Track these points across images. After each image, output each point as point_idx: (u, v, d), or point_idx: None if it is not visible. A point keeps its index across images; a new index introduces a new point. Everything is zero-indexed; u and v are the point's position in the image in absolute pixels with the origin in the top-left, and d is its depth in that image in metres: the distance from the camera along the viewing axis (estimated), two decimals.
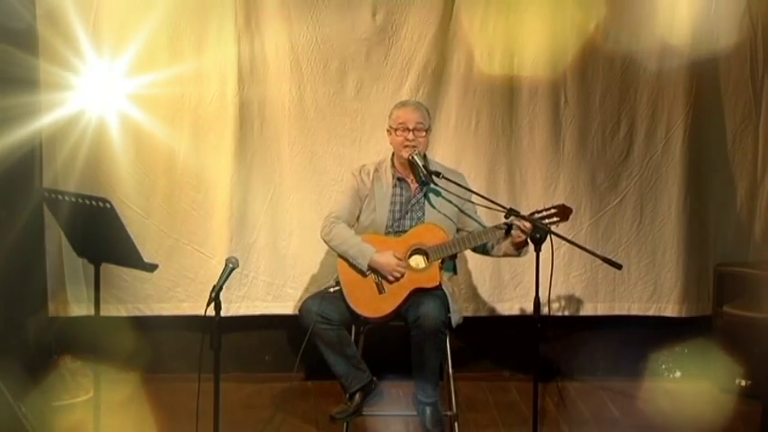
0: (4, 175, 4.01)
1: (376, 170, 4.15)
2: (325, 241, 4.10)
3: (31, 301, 4.47)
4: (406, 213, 4.10)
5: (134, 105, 4.58)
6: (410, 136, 4.04)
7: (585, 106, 4.84)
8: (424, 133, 4.07)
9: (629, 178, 4.90)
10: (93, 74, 4.49)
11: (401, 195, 4.12)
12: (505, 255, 4.08)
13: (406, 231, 4.07)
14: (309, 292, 4.56)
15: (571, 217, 4.01)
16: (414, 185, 4.13)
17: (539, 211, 3.93)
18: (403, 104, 4.18)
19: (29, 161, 4.41)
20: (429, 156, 4.17)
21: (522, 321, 4.82)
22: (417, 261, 4.02)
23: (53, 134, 4.52)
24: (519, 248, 4.00)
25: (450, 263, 4.12)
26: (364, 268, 3.97)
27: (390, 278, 3.97)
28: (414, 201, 4.11)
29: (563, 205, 3.96)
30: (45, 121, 4.45)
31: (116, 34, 4.54)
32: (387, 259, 3.96)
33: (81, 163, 4.57)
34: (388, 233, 4.08)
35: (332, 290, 4.06)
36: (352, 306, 3.97)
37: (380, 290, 3.99)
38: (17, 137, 4.12)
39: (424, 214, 4.08)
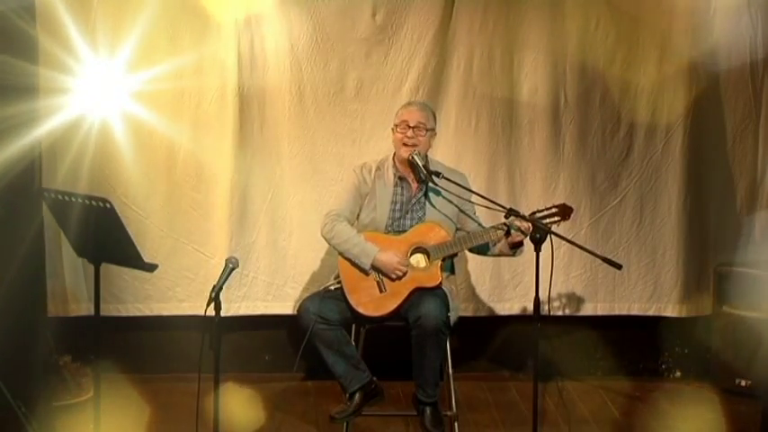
0: (4, 175, 4.00)
1: (378, 168, 4.15)
2: (326, 239, 4.09)
3: (30, 301, 4.46)
4: (407, 213, 4.10)
5: (134, 106, 4.57)
6: (409, 133, 4.04)
7: (585, 106, 4.84)
8: (424, 132, 4.07)
9: (629, 178, 4.90)
10: (93, 74, 4.49)
11: (402, 195, 4.12)
12: (500, 254, 4.09)
13: (406, 230, 4.07)
14: (309, 291, 4.56)
15: (571, 216, 4.02)
16: (414, 185, 4.13)
17: (539, 211, 3.93)
18: (409, 104, 4.21)
19: (29, 161, 4.39)
20: (430, 156, 4.17)
21: (522, 321, 4.82)
22: (418, 260, 4.02)
23: (53, 134, 4.48)
24: (515, 248, 4.02)
25: (448, 262, 4.12)
26: (367, 267, 3.97)
27: (393, 276, 3.97)
28: (414, 200, 4.11)
29: (564, 204, 3.96)
30: (45, 121, 4.42)
31: (116, 34, 4.54)
32: (389, 258, 3.97)
33: (81, 163, 4.56)
34: (387, 232, 4.08)
35: (332, 288, 4.06)
36: (353, 304, 3.97)
37: (381, 289, 3.99)
38: (17, 136, 4.10)
39: (424, 214, 4.08)
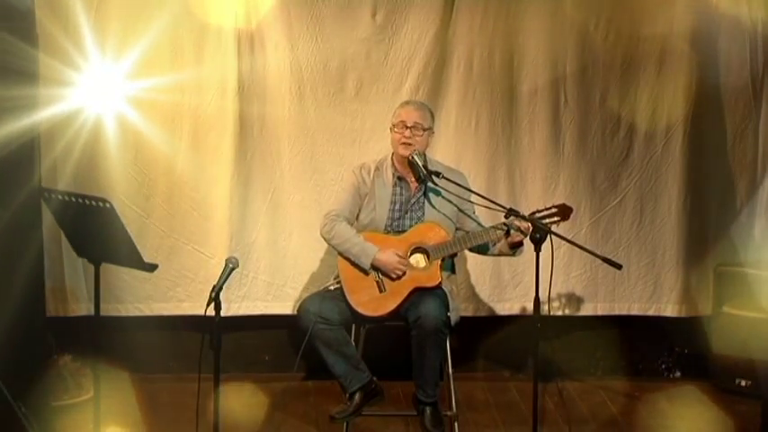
0: (2, 172, 4.00)
1: (377, 168, 4.15)
2: (325, 239, 4.09)
3: (30, 301, 4.46)
4: (406, 213, 4.10)
5: (134, 105, 4.57)
6: (407, 133, 4.04)
7: (585, 106, 4.84)
8: (421, 132, 4.07)
9: (629, 178, 4.90)
10: (94, 71, 4.48)
11: (401, 195, 4.12)
12: (500, 254, 4.10)
13: (405, 230, 4.07)
14: (309, 291, 4.56)
15: (571, 216, 4.02)
16: (414, 185, 4.13)
17: (539, 211, 3.93)
18: (406, 103, 4.20)
19: (27, 159, 4.39)
20: (429, 156, 4.17)
21: (522, 321, 4.81)
22: (418, 260, 4.02)
23: (52, 132, 4.50)
24: (514, 248, 4.02)
25: (448, 262, 4.12)
26: (367, 267, 3.97)
27: (393, 276, 3.97)
28: (413, 200, 4.11)
29: (564, 204, 3.97)
30: (43, 117, 4.41)
31: (117, 30, 4.53)
32: (389, 257, 3.97)
33: (80, 163, 4.56)
34: (387, 232, 4.08)
35: (332, 288, 4.06)
36: (353, 305, 3.97)
37: (381, 288, 3.99)
38: (15, 131, 4.09)
39: (423, 214, 4.08)
